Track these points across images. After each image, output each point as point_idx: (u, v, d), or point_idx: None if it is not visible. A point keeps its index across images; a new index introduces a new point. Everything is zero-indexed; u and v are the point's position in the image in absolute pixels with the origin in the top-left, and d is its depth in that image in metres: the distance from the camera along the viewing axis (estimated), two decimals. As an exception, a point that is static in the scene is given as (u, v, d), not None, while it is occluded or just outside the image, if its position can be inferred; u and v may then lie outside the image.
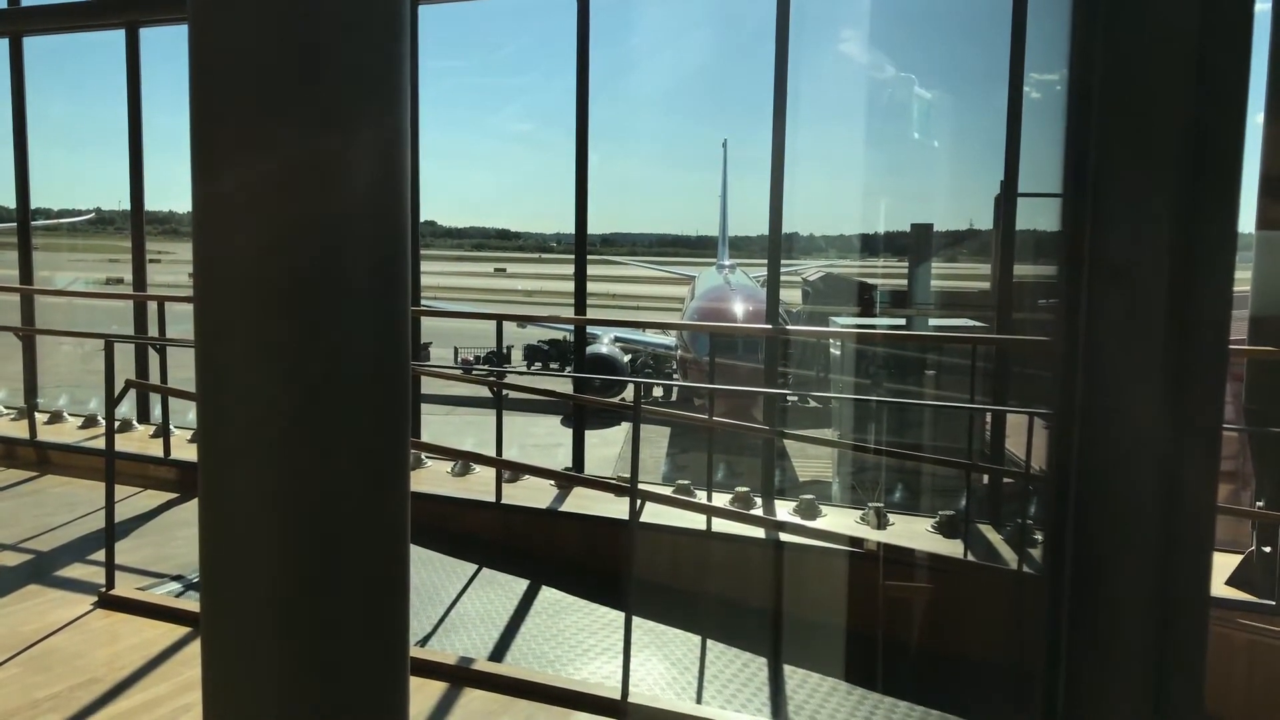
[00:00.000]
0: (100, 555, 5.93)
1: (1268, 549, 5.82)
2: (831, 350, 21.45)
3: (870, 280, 26.06)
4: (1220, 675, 5.54)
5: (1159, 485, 0.96)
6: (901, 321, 18.55)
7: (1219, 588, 5.92)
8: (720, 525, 6.93)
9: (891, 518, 7.30)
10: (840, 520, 7.36)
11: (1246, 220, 6.55)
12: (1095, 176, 0.99)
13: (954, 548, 6.77)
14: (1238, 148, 1.05)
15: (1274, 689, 5.54)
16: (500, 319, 9.84)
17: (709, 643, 5.83)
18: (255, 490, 2.21)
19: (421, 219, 9.42)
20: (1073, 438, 1.01)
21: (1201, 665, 1.02)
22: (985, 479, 7.64)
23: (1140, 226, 0.98)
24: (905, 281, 18.13)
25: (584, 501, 7.60)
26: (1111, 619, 0.99)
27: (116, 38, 9.98)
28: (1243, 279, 6.93)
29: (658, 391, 31.15)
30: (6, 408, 10.60)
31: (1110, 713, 1.00)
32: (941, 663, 5.99)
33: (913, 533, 7.09)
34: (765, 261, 8.54)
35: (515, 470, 8.01)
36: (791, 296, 36.74)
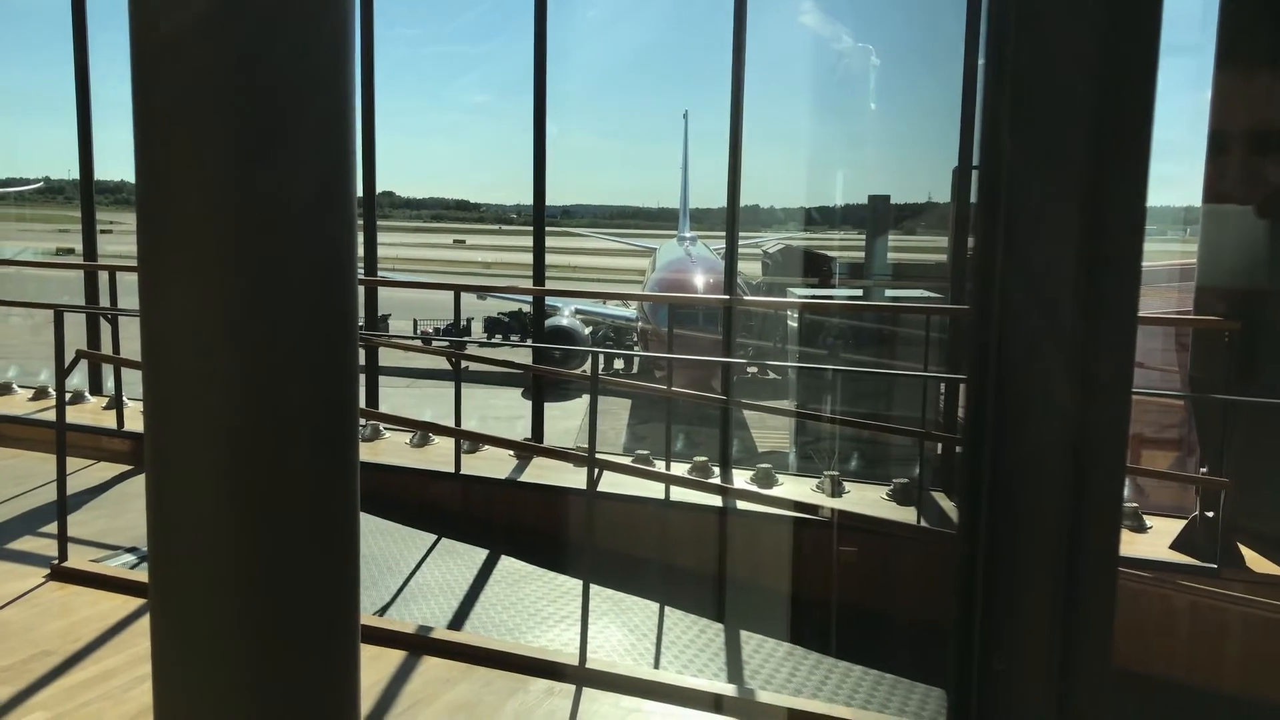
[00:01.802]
0: (52, 528, 5.86)
1: (1210, 514, 5.98)
2: (789, 321, 21.60)
3: (829, 252, 26.24)
4: (1163, 636, 5.70)
5: (1068, 445, 0.99)
6: (858, 293, 18.70)
7: (1164, 552, 6.08)
8: (679, 494, 7.00)
9: (847, 486, 7.40)
10: (796, 489, 7.45)
11: (1194, 193, 6.68)
12: (1010, 143, 1.02)
13: (908, 514, 6.89)
14: (1149, 107, 1.08)
15: (1215, 649, 5.70)
16: (458, 289, 9.78)
17: (666, 609, 5.89)
18: (202, 461, 2.21)
19: (379, 190, 9.31)
20: (986, 399, 1.04)
21: (1109, 622, 1.07)
22: (939, 447, 7.76)
23: (1051, 190, 1.01)
24: (863, 253, 18.27)
25: (543, 472, 7.62)
26: (1023, 575, 1.04)
27: (61, 1, 9.76)
28: (1191, 251, 7.08)
29: (619, 363, 31.16)
30: (-46, 380, 10.40)
31: (1019, 667, 1.05)
32: (895, 627, 6.10)
33: (867, 500, 7.20)
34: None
35: (474, 440, 8.00)
36: (752, 268, 36.94)
